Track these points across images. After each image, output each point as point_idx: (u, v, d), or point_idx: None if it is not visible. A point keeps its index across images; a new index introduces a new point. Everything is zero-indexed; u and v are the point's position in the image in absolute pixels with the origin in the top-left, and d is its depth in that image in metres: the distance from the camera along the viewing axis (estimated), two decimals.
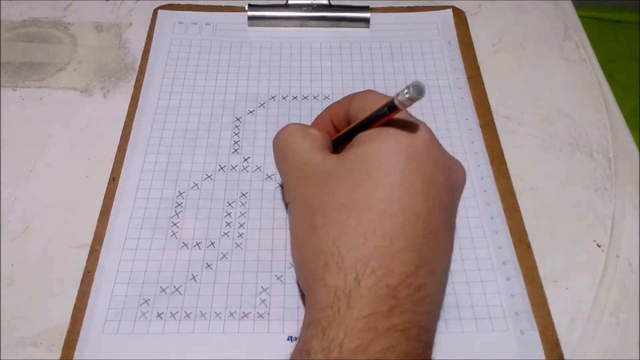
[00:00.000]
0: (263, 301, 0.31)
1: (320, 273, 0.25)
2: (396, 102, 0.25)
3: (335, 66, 0.44)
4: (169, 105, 0.41)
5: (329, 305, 0.23)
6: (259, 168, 0.37)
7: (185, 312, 0.31)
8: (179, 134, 0.39)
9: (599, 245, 0.34)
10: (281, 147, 0.30)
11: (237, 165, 0.38)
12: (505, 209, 0.35)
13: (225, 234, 0.34)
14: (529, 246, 0.34)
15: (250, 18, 0.46)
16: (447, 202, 0.26)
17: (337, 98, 0.34)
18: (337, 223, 0.25)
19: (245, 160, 0.38)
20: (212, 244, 0.34)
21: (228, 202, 0.36)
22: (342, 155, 0.27)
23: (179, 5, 0.48)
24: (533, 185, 0.37)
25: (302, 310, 0.31)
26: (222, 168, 0.37)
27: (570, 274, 0.33)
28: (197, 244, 0.34)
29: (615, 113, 0.42)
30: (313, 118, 0.34)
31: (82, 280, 0.32)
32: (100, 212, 0.35)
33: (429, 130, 0.27)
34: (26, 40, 0.46)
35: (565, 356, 0.30)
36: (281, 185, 0.37)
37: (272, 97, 0.42)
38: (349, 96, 0.30)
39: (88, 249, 0.33)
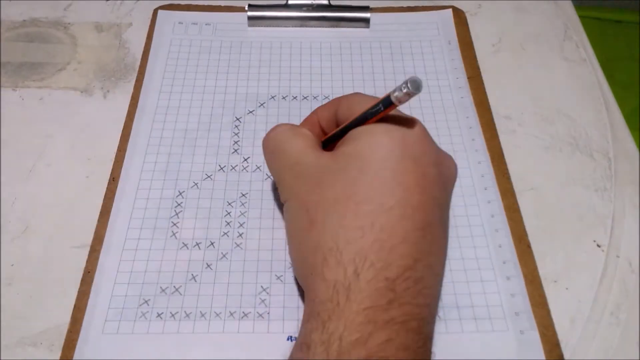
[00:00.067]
0: (263, 301, 0.31)
1: (319, 268, 0.25)
2: (392, 98, 0.25)
3: (335, 66, 0.44)
4: (169, 105, 0.41)
5: (329, 299, 0.24)
6: (259, 168, 0.37)
7: (185, 312, 0.31)
8: (179, 134, 0.39)
9: (599, 245, 0.34)
10: (272, 147, 0.30)
11: (237, 165, 0.38)
12: (505, 208, 0.35)
13: (225, 234, 0.34)
14: (529, 246, 0.34)
15: (250, 18, 0.46)
16: (441, 196, 0.26)
17: None
18: (334, 218, 0.25)
19: (245, 160, 0.38)
20: (212, 244, 0.34)
21: (228, 202, 0.36)
22: (335, 152, 0.27)
23: (179, 5, 0.48)
24: (533, 185, 0.37)
25: (302, 310, 0.31)
26: (222, 168, 0.37)
27: (570, 274, 0.33)
28: (197, 244, 0.34)
29: (615, 113, 0.42)
30: None
31: (82, 280, 0.32)
32: (100, 212, 0.35)
33: (421, 126, 0.27)
34: (26, 40, 0.46)
35: (565, 356, 0.30)
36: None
37: (272, 97, 0.42)
38: (336, 99, 0.31)
39: (88, 249, 0.33)
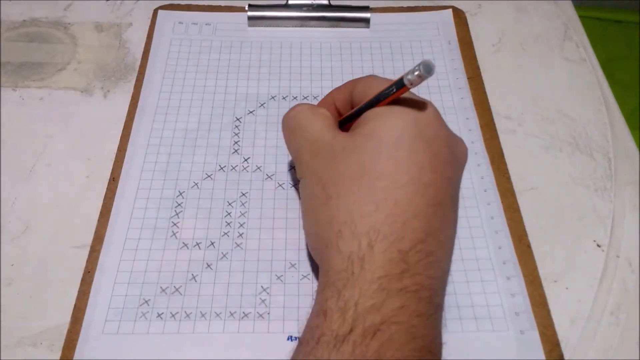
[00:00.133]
0: (263, 301, 0.31)
1: (334, 240, 0.26)
2: (405, 80, 0.26)
3: (335, 66, 0.44)
4: (169, 105, 0.41)
5: (344, 269, 0.25)
6: (259, 168, 0.37)
7: (185, 312, 0.31)
8: (179, 134, 0.39)
9: (599, 245, 0.34)
10: (292, 125, 0.31)
11: (237, 165, 0.38)
12: (505, 208, 0.35)
13: (225, 233, 0.34)
14: (529, 246, 0.34)
15: (250, 18, 0.46)
16: (451, 176, 0.27)
17: None
18: (349, 193, 0.26)
19: (245, 160, 0.38)
20: (212, 244, 0.34)
21: (228, 202, 0.36)
22: (351, 132, 0.29)
23: (179, 5, 0.48)
24: (533, 185, 0.37)
25: (302, 310, 0.31)
26: (222, 168, 0.37)
27: (570, 274, 0.33)
28: (197, 244, 0.34)
29: (615, 113, 0.42)
30: None
31: (82, 280, 0.32)
32: (100, 212, 0.35)
33: (434, 108, 0.28)
34: (26, 40, 0.46)
35: (565, 356, 0.30)
36: (282, 185, 0.37)
37: (272, 97, 0.42)
38: (352, 81, 0.32)
39: (88, 249, 0.33)
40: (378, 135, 0.27)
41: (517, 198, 0.36)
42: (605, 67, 0.45)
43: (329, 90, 0.33)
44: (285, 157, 0.38)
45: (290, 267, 0.33)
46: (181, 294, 0.32)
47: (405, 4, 0.49)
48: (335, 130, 0.29)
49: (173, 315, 0.31)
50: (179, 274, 0.32)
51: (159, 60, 0.44)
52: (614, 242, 0.35)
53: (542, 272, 0.33)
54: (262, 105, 0.41)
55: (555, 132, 0.40)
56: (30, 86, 0.43)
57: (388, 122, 0.27)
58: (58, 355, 0.30)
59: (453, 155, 0.28)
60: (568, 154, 0.39)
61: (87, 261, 0.33)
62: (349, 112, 0.31)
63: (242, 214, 0.35)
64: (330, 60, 0.44)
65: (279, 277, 0.32)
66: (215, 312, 0.31)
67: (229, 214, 0.35)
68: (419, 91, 0.31)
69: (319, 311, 0.24)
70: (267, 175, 0.37)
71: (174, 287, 0.32)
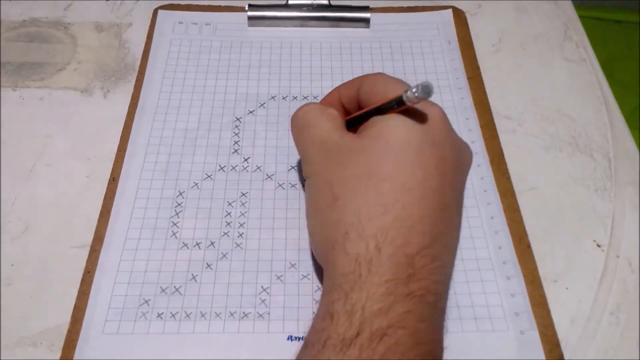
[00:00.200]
0: (263, 301, 0.31)
1: (340, 242, 0.26)
2: (404, 98, 0.26)
3: (335, 66, 0.44)
4: (169, 105, 0.41)
5: (351, 271, 0.24)
6: (259, 168, 0.37)
7: (185, 312, 0.31)
8: (179, 134, 0.39)
9: (599, 245, 0.34)
10: (300, 124, 0.31)
11: (237, 165, 0.38)
12: (505, 209, 0.35)
13: (225, 233, 0.34)
14: (529, 246, 0.34)
15: (250, 18, 0.46)
16: (457, 180, 0.28)
17: None
18: (357, 194, 0.26)
19: (245, 160, 0.38)
20: (212, 244, 0.34)
21: (228, 202, 0.36)
22: (359, 134, 0.29)
23: (179, 5, 0.48)
24: (533, 185, 0.37)
25: (302, 310, 0.31)
26: (222, 168, 0.37)
27: (570, 274, 0.33)
28: (197, 244, 0.34)
29: (615, 113, 0.42)
30: None
31: (82, 280, 0.32)
32: (100, 212, 0.35)
33: (443, 112, 0.28)
34: (26, 40, 0.46)
35: (565, 356, 0.30)
36: (282, 185, 0.37)
37: (272, 97, 0.42)
38: (358, 78, 0.32)
39: (88, 249, 0.33)
40: (385, 137, 0.27)
41: (517, 198, 0.36)
42: (605, 67, 0.45)
43: (329, 91, 0.33)
44: (285, 157, 0.38)
45: (290, 267, 0.33)
46: (181, 294, 0.32)
47: (405, 4, 0.49)
48: (343, 131, 0.29)
49: (173, 315, 0.31)
50: (179, 274, 0.32)
51: (159, 60, 0.44)
52: (614, 242, 0.35)
53: (542, 272, 0.33)
54: (262, 105, 0.41)
55: (555, 132, 0.40)
56: (30, 86, 0.43)
57: (396, 125, 0.27)
58: (58, 355, 0.30)
59: (459, 160, 0.28)
60: (568, 154, 0.39)
61: (87, 261, 0.33)
62: (354, 109, 0.31)
63: (242, 214, 0.35)
64: (330, 60, 0.44)
65: (279, 277, 0.32)
66: (215, 312, 0.31)
67: (229, 214, 0.35)
68: None
69: (325, 313, 0.24)
70: (267, 175, 0.37)
71: (174, 287, 0.32)
